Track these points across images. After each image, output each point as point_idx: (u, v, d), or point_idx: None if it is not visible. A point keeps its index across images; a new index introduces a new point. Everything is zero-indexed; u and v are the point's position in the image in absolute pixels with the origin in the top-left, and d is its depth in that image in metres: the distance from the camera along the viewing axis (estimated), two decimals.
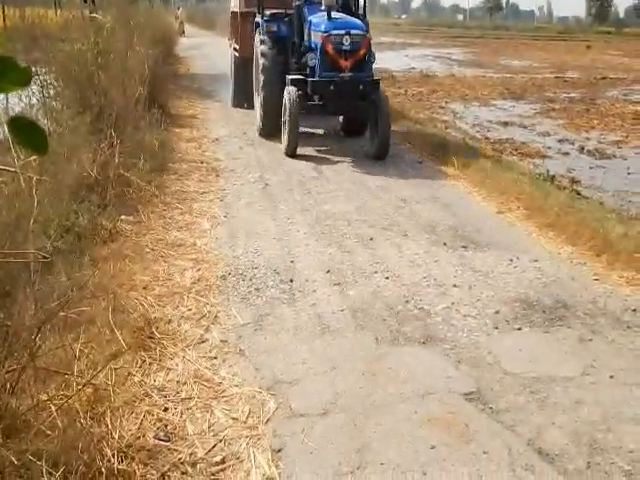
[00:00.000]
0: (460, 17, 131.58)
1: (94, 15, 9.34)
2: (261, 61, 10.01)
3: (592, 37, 58.43)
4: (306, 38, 9.60)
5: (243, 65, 12.19)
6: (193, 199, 7.33)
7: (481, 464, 3.11)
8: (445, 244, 6.02)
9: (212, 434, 3.36)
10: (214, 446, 3.26)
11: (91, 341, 3.88)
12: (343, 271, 5.41)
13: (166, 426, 3.38)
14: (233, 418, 3.48)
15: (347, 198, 7.45)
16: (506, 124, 14.07)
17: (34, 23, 9.37)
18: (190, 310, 4.67)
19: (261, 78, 10.01)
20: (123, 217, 6.29)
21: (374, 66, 9.60)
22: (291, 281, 5.20)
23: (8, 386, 2.99)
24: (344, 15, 9.60)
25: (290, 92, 9.06)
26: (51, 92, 7.52)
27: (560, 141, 12.35)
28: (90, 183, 6.32)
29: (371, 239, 6.14)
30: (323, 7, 9.26)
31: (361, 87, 9.00)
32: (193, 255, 5.69)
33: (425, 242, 6.09)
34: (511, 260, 5.65)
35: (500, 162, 9.58)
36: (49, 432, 2.90)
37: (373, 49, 9.40)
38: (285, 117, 9.13)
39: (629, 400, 3.66)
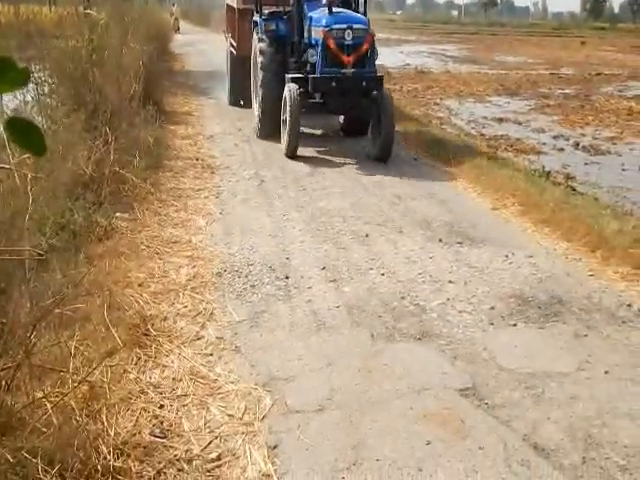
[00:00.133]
0: (455, 13, 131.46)
1: (88, 12, 9.30)
2: (260, 60, 9.79)
3: (587, 33, 58.59)
4: (306, 35, 9.36)
5: (240, 63, 12.02)
6: (188, 196, 7.32)
7: (477, 459, 3.12)
8: (440, 240, 6.03)
9: (208, 431, 3.36)
10: (210, 443, 3.26)
11: (86, 338, 3.87)
12: (338, 268, 5.41)
13: (162, 423, 3.38)
14: (229, 415, 3.48)
15: (342, 195, 7.45)
16: (501, 120, 14.10)
17: (28, 20, 9.33)
18: (186, 307, 4.67)
19: (260, 77, 9.79)
20: (118, 214, 6.28)
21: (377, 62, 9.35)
22: (287, 278, 5.20)
23: (3, 383, 2.98)
24: (345, 10, 9.43)
25: (291, 89, 8.83)
26: (45, 89, 7.49)
27: (555, 137, 12.38)
28: (85, 180, 6.30)
29: (366, 236, 6.14)
30: (324, 1, 9.04)
31: (364, 84, 8.80)
32: (188, 252, 5.69)
33: (420, 238, 6.09)
34: (506, 256, 5.66)
35: (495, 158, 9.60)
36: (45, 429, 2.89)
37: (376, 45, 9.17)
38: (285, 115, 8.87)
39: (624, 395, 3.67)
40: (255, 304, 4.75)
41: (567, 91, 18.93)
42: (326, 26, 8.77)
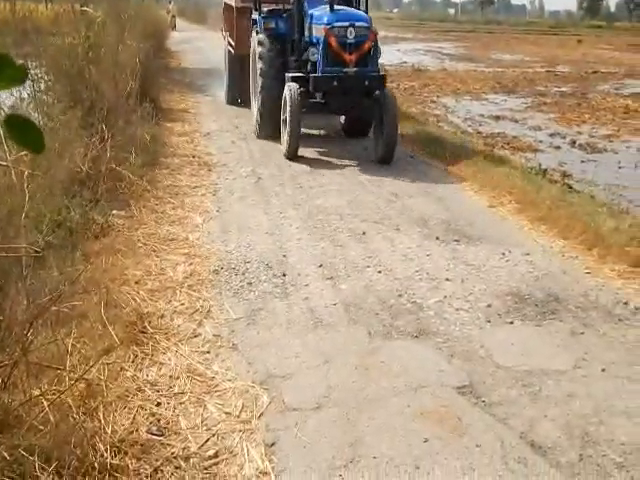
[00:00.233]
0: (452, 11, 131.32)
1: (85, 9, 9.27)
2: (259, 60, 9.62)
3: (583, 31, 58.60)
4: (307, 33, 9.14)
5: (238, 61, 11.92)
6: (185, 193, 7.31)
7: (474, 457, 3.13)
8: (437, 238, 6.03)
9: (205, 428, 3.36)
10: (207, 440, 3.26)
11: (83, 336, 3.87)
12: (335, 265, 5.41)
13: (159, 421, 3.38)
14: (226, 412, 3.48)
15: (339, 192, 7.44)
16: (498, 118, 14.11)
17: (25, 17, 9.31)
18: (183, 305, 4.66)
19: (259, 77, 9.60)
20: (115, 212, 6.27)
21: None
22: (284, 275, 5.20)
23: (0, 381, 2.98)
24: (347, 7, 9.26)
25: (291, 88, 8.64)
26: (42, 86, 7.46)
27: (551, 135, 12.40)
28: (82, 178, 6.30)
29: (363, 233, 6.14)
30: None
31: (366, 83, 8.61)
32: (185, 249, 5.68)
33: (417, 236, 6.10)
34: (503, 254, 5.66)
35: (492, 156, 9.60)
36: (42, 427, 2.89)
37: (380, 44, 9.00)
38: (286, 115, 8.65)
39: (621, 393, 3.68)
40: (252, 302, 4.75)
41: (564, 89, 18.95)
42: (327, 24, 8.56)
